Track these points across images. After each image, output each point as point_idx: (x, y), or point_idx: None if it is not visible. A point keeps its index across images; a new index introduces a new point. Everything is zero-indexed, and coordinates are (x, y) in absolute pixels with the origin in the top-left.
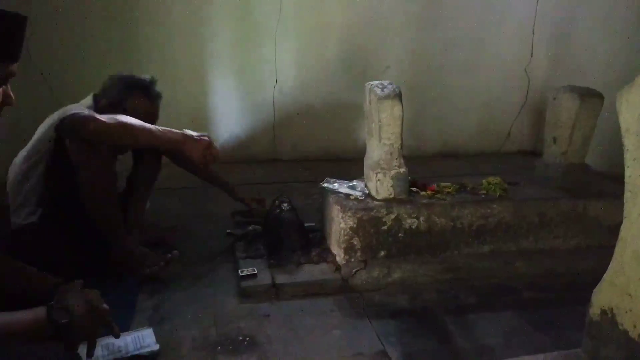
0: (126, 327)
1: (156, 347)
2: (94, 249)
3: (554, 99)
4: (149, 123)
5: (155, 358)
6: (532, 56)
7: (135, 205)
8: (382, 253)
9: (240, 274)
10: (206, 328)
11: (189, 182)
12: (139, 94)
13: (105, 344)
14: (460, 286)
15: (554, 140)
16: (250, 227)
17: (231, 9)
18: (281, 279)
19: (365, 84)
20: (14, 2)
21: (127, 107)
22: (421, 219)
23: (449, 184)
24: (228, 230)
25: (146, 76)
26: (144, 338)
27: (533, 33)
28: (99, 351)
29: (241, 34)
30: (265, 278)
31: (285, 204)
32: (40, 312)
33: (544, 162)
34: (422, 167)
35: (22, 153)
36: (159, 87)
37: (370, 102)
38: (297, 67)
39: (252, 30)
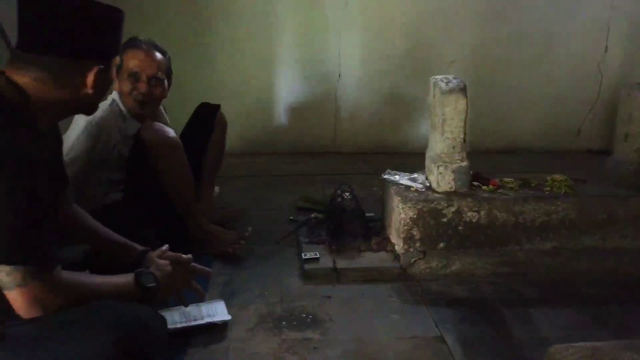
0: (201, 299)
1: (228, 317)
2: (172, 229)
3: (628, 95)
4: (148, 73)
5: (226, 327)
6: (606, 52)
7: (206, 188)
8: (442, 244)
9: (304, 257)
10: (272, 304)
11: (251, 170)
12: (130, 49)
13: (182, 311)
14: (520, 281)
15: (626, 137)
16: (312, 215)
17: (299, 5)
18: (342, 264)
19: (430, 78)
20: None
21: (125, 63)
22: (482, 212)
23: (512, 179)
24: (291, 217)
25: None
26: (217, 308)
27: (608, 28)
28: (176, 317)
29: (307, 26)
30: (326, 262)
31: (347, 193)
32: (130, 277)
33: (614, 160)
34: (485, 162)
35: (83, 138)
36: (228, 75)
37: (434, 96)
38: (360, 61)
39: (317, 22)
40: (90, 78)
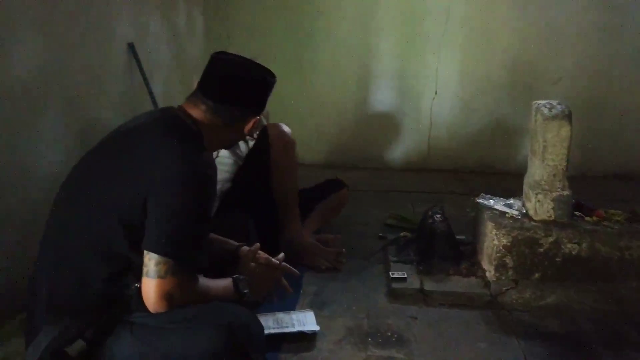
0: (292, 307)
1: (317, 327)
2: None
3: None
4: None
5: (315, 337)
6: None
7: (294, 219)
8: (536, 275)
9: (391, 276)
10: (359, 319)
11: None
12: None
13: (276, 317)
14: (623, 320)
15: None
16: (401, 234)
17: (397, 17)
18: (430, 285)
19: (532, 103)
20: None
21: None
22: (583, 245)
23: (619, 211)
24: (380, 234)
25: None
26: (306, 318)
27: None
28: (270, 322)
29: (405, 42)
30: (414, 283)
31: (439, 215)
32: (229, 282)
33: None
34: (590, 189)
35: None
36: (325, 91)
37: (535, 122)
38: (458, 78)
39: (416, 38)
40: (249, 125)
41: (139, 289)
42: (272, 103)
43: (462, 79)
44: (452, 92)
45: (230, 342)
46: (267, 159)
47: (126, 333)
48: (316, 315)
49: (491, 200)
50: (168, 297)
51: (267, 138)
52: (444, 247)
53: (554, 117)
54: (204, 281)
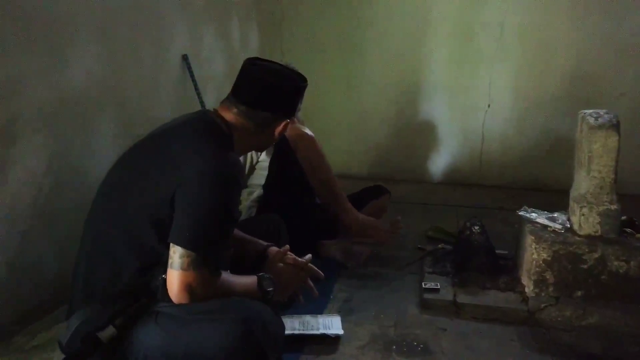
0: (320, 311)
1: (341, 332)
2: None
3: None
4: None
5: (338, 341)
6: None
7: (342, 212)
8: (579, 293)
9: (424, 286)
10: (386, 327)
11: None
12: None
13: (303, 320)
14: None
15: None
16: (439, 245)
17: (450, 29)
18: (463, 298)
19: (579, 112)
20: None
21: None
22: (632, 263)
23: None
24: (419, 245)
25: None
26: (333, 322)
27: None
28: (295, 324)
29: (457, 55)
30: (447, 294)
31: (477, 227)
32: (254, 279)
33: None
34: None
35: None
36: (374, 102)
37: (581, 131)
38: (512, 92)
39: (469, 51)
40: (279, 129)
41: (165, 280)
42: (319, 114)
43: (516, 93)
44: (505, 106)
45: (246, 337)
46: (292, 161)
47: (151, 321)
48: (343, 321)
49: (533, 214)
50: (189, 289)
51: (287, 141)
52: (481, 259)
53: (600, 127)
54: (227, 276)
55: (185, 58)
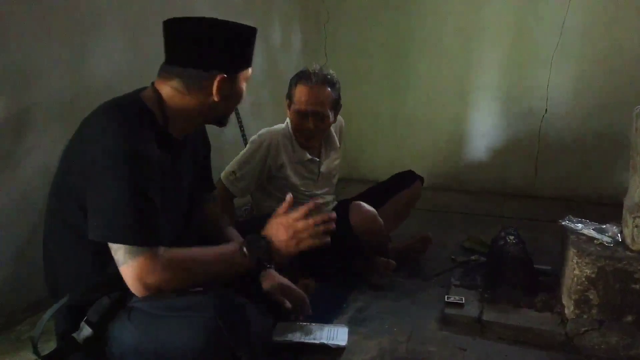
0: (329, 320)
1: (343, 344)
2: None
3: None
4: (313, 110)
5: (340, 353)
6: None
7: None
8: (629, 317)
9: (446, 300)
10: (397, 342)
11: (433, 205)
12: (298, 84)
13: (307, 328)
14: None
15: None
16: (472, 257)
17: (504, 29)
18: (490, 315)
19: (635, 108)
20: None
21: (294, 100)
22: None
23: None
24: (452, 256)
25: (316, 66)
26: (338, 333)
27: None
28: (297, 331)
29: (512, 59)
30: (472, 310)
31: (512, 237)
32: (235, 246)
33: None
34: None
35: (254, 160)
36: (419, 107)
37: (636, 131)
38: (573, 96)
39: (524, 54)
40: (215, 85)
41: None
42: (361, 117)
43: (577, 96)
44: (565, 110)
45: (213, 336)
46: (350, 238)
47: (125, 318)
48: (352, 332)
49: (579, 224)
50: (141, 280)
51: (349, 220)
52: (515, 273)
53: None
54: (189, 251)
55: None
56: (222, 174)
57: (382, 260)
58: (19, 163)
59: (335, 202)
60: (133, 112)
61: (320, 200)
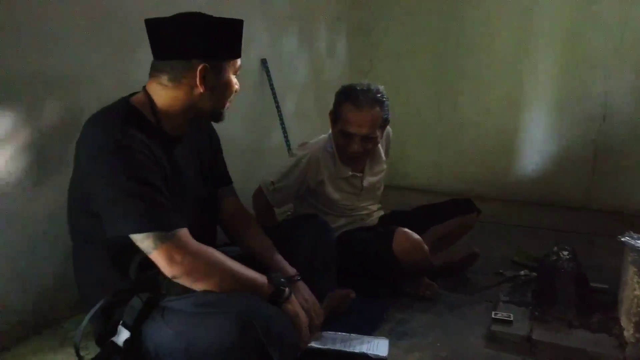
0: (368, 332)
1: (384, 355)
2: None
3: None
4: (361, 133)
5: None
6: None
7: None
8: None
9: (493, 316)
10: (439, 357)
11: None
12: (346, 104)
13: (345, 337)
14: None
15: None
16: (522, 272)
17: (558, 32)
18: (541, 335)
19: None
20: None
21: (341, 118)
22: None
23: None
24: (500, 270)
25: (364, 83)
26: (378, 345)
27: None
28: (338, 341)
29: (566, 67)
30: (521, 328)
31: (566, 252)
32: (262, 276)
33: None
34: None
35: (294, 171)
36: (469, 114)
37: None
38: (634, 103)
39: (580, 62)
40: (198, 75)
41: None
42: (407, 124)
43: (638, 103)
44: (624, 119)
45: (245, 332)
46: (393, 263)
47: (159, 317)
48: (393, 345)
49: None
50: (173, 259)
51: (392, 246)
52: (568, 291)
53: None
54: (219, 253)
55: (264, 62)
56: (262, 180)
57: (426, 282)
58: (70, 166)
59: (382, 212)
60: (116, 114)
61: (364, 212)
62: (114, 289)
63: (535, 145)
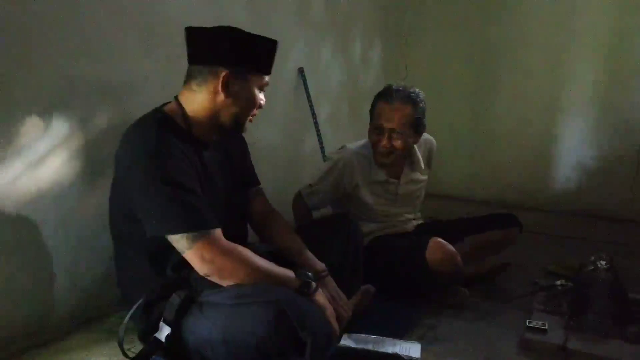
0: (400, 336)
1: (417, 355)
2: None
3: None
4: (389, 127)
5: None
6: None
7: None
8: None
9: (527, 324)
10: None
11: None
12: (379, 100)
13: (378, 339)
14: None
15: None
16: (558, 282)
17: (599, 38)
18: (576, 344)
19: None
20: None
21: (374, 113)
22: None
23: None
24: (536, 280)
25: (401, 84)
26: (411, 349)
27: None
28: (370, 342)
29: (606, 75)
30: (556, 337)
31: (603, 262)
32: (290, 271)
33: None
34: None
35: (330, 176)
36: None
37: None
38: None
39: (620, 70)
40: (220, 81)
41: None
42: (443, 132)
43: None
44: None
45: (279, 320)
46: (425, 272)
47: (197, 312)
48: (424, 350)
49: None
50: (205, 260)
51: (425, 255)
52: (604, 301)
53: None
54: (249, 251)
55: (301, 71)
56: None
57: (458, 289)
58: None
59: (420, 220)
60: (151, 122)
61: (400, 219)
62: (153, 288)
63: (574, 155)
